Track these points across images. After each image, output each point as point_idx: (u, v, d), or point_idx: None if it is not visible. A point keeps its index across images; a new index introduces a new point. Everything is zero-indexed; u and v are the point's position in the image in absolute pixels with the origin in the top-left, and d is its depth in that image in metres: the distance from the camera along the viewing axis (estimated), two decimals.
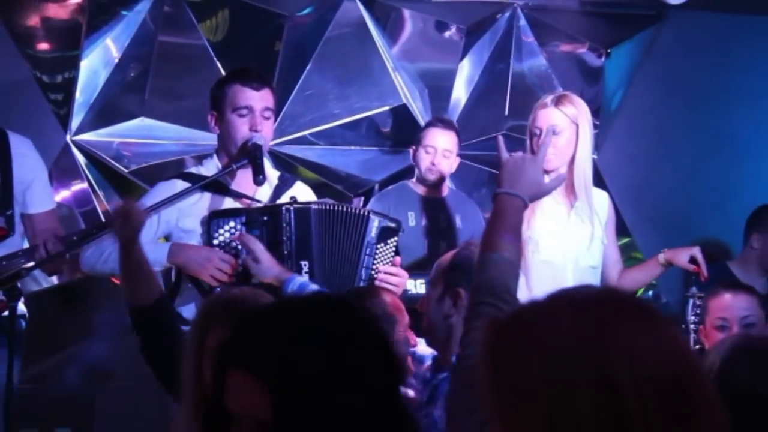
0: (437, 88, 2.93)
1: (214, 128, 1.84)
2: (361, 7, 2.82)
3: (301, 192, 1.89)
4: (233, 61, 2.56)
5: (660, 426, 0.60)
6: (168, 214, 1.78)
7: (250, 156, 1.77)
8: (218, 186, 1.81)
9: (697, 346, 1.86)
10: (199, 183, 1.78)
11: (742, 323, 1.82)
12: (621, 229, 2.52)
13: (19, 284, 1.72)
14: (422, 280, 2.00)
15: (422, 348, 1.59)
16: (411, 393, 1.44)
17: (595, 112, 2.52)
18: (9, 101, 2.52)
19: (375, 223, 1.79)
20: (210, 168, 1.84)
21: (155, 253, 1.72)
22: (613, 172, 2.97)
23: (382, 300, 1.56)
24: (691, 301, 2.03)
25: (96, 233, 1.78)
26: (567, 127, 1.92)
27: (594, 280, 1.97)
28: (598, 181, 2.33)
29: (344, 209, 1.81)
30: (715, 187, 3.08)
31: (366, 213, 1.81)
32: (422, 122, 2.89)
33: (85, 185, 2.67)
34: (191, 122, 2.63)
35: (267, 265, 1.63)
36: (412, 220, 2.43)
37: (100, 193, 2.68)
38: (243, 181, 1.81)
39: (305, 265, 1.72)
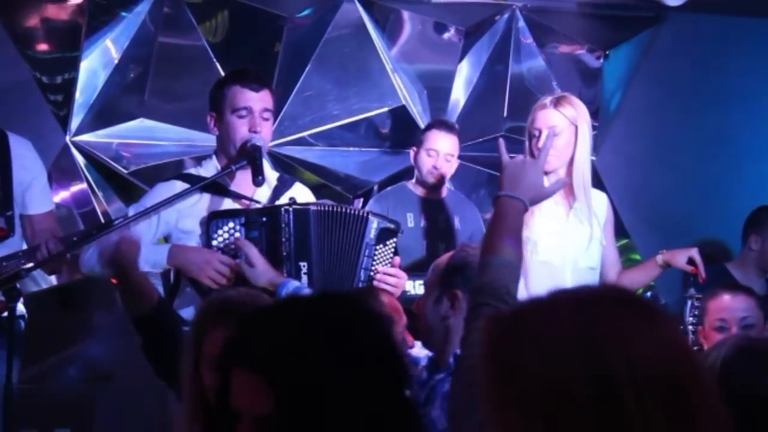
0: (436, 90, 2.93)
1: (214, 129, 1.84)
2: (361, 9, 2.82)
3: (300, 193, 1.89)
4: (233, 63, 2.56)
5: (658, 424, 0.59)
6: (167, 215, 1.79)
7: (250, 157, 1.77)
8: (217, 187, 1.81)
9: (696, 347, 1.87)
10: (199, 184, 1.78)
11: (741, 324, 1.82)
12: (619, 230, 2.53)
13: (18, 285, 1.72)
14: (421, 281, 2.00)
15: (416, 350, 1.59)
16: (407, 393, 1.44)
17: (594, 114, 2.53)
18: (9, 102, 2.52)
19: (374, 225, 1.79)
20: (209, 169, 1.84)
21: (155, 255, 1.73)
22: (611, 173, 2.98)
23: (379, 301, 1.56)
24: (689, 302, 2.04)
25: (96, 234, 1.78)
26: (566, 129, 1.92)
27: (593, 281, 1.97)
28: (597, 182, 2.34)
29: (343, 210, 1.81)
30: (713, 188, 3.09)
31: (365, 214, 1.81)
32: (421, 123, 2.90)
33: (84, 186, 2.67)
34: (191, 123, 2.63)
35: (261, 269, 1.64)
36: (411, 221, 2.44)
37: (100, 194, 2.68)
38: (242, 182, 1.81)
39: (304, 266, 1.73)
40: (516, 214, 1.14)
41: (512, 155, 1.24)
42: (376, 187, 2.84)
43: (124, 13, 2.65)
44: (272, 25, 2.75)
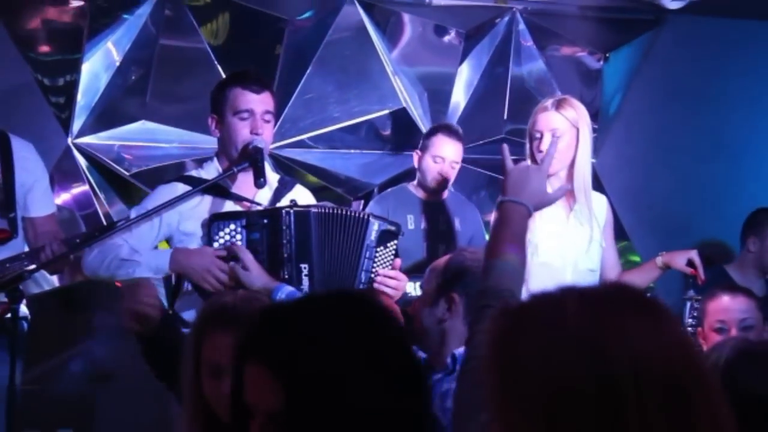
0: (437, 92, 2.94)
1: (215, 131, 1.84)
2: (361, 12, 2.83)
3: (301, 195, 1.89)
4: (234, 65, 2.56)
5: (658, 424, 0.60)
6: (169, 217, 1.79)
7: (251, 159, 1.77)
8: (219, 189, 1.81)
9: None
10: (200, 186, 1.78)
11: (741, 326, 1.82)
12: (619, 232, 2.54)
13: (20, 287, 1.73)
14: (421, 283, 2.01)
15: None
16: None
17: (594, 116, 2.54)
18: (11, 104, 2.53)
19: (375, 227, 1.79)
20: (210, 171, 1.84)
21: (157, 260, 1.73)
22: (611, 176, 2.98)
23: None
24: (688, 304, 2.04)
25: (98, 236, 1.79)
26: (567, 131, 1.92)
27: (593, 282, 1.98)
28: (597, 184, 2.35)
29: (344, 212, 1.81)
30: (713, 190, 3.09)
31: (366, 216, 1.82)
32: (422, 125, 2.91)
33: (86, 188, 2.67)
34: (192, 125, 2.63)
35: (256, 274, 1.64)
36: (411, 223, 2.44)
37: (101, 196, 2.69)
38: (243, 184, 1.82)
39: (305, 267, 1.73)
40: (520, 219, 1.15)
41: (514, 157, 1.25)
42: (376, 189, 2.85)
43: (125, 16, 2.66)
44: (273, 27, 2.76)
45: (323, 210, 1.79)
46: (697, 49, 3.08)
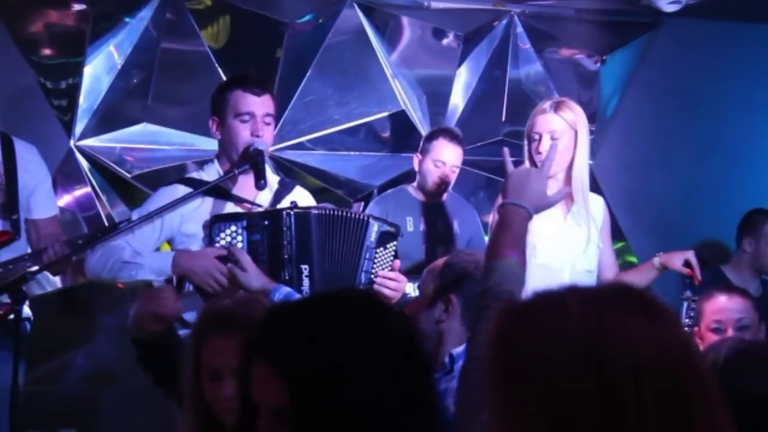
0: (435, 94, 2.95)
1: (216, 133, 1.85)
2: (361, 15, 2.84)
3: (301, 196, 1.90)
4: (234, 68, 2.56)
5: (656, 424, 0.60)
6: (170, 219, 1.80)
7: (252, 161, 1.78)
8: (220, 191, 1.82)
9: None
10: (202, 188, 1.79)
11: (737, 326, 1.83)
12: (616, 233, 2.55)
13: (24, 288, 1.74)
14: None
15: None
16: None
17: (591, 118, 2.56)
18: (14, 107, 2.54)
19: (374, 228, 1.80)
20: (211, 173, 1.85)
21: (159, 263, 1.73)
22: (608, 177, 3.00)
23: None
24: (685, 304, 2.05)
25: (101, 237, 1.81)
26: (565, 133, 1.93)
27: (590, 283, 2.00)
28: (594, 185, 2.36)
29: (344, 214, 1.82)
30: (709, 191, 3.11)
31: (365, 218, 1.82)
32: (421, 128, 2.93)
33: (88, 190, 2.68)
34: (193, 128, 2.64)
35: (253, 275, 1.64)
36: (411, 225, 2.46)
37: (103, 198, 2.69)
38: (244, 185, 1.83)
39: (306, 268, 1.74)
40: (520, 221, 1.17)
41: (513, 159, 1.26)
42: (376, 191, 2.86)
43: (127, 19, 2.67)
44: (273, 30, 2.78)
45: (323, 211, 1.80)
46: (693, 51, 3.10)
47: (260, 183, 1.77)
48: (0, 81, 2.57)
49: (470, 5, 2.94)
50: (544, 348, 0.63)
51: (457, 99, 2.99)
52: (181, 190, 1.80)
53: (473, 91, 2.98)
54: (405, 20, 2.92)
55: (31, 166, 2.09)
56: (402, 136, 2.94)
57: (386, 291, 1.79)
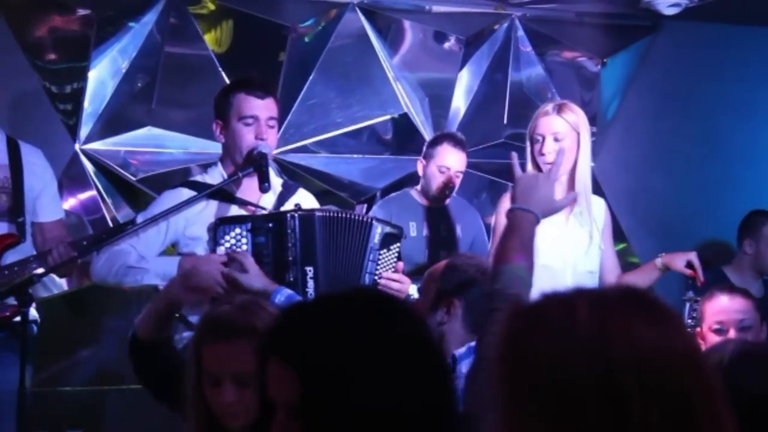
0: (437, 97, 2.96)
1: (219, 137, 1.86)
2: (363, 19, 2.86)
3: (304, 199, 1.91)
4: (238, 72, 2.57)
5: (660, 428, 0.61)
6: (175, 222, 1.80)
7: (256, 164, 1.78)
8: (224, 194, 1.82)
9: None
10: (206, 191, 1.79)
11: (739, 326, 1.83)
12: (617, 234, 2.56)
13: (30, 290, 1.76)
14: None
15: None
16: None
17: (592, 120, 2.58)
18: (19, 111, 2.56)
19: (378, 230, 1.80)
20: (215, 176, 1.86)
21: (164, 267, 1.74)
22: (609, 179, 3.01)
23: None
24: (687, 305, 2.06)
25: (105, 239, 1.82)
26: (568, 135, 1.93)
27: (592, 284, 1.99)
28: (595, 187, 2.37)
29: (347, 216, 1.82)
30: (709, 192, 3.13)
31: (369, 220, 1.83)
32: (423, 130, 2.94)
33: (93, 193, 2.68)
34: (197, 131, 2.64)
35: (255, 276, 1.63)
36: (414, 230, 2.46)
37: (108, 201, 2.70)
38: (247, 188, 1.84)
39: (310, 270, 1.74)
40: (528, 226, 1.18)
41: (521, 161, 1.27)
42: (378, 194, 2.87)
43: (131, 24, 2.68)
44: (276, 34, 2.79)
45: (327, 213, 1.81)
46: (693, 54, 3.11)
47: (264, 186, 1.78)
48: (5, 85, 2.58)
49: (471, 9, 2.96)
50: (551, 349, 0.64)
51: (459, 102, 3.00)
52: (186, 193, 1.81)
53: (475, 93, 3.00)
54: (407, 24, 2.93)
55: (37, 170, 2.11)
56: (404, 138, 2.95)
57: (390, 292, 1.80)
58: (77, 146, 2.68)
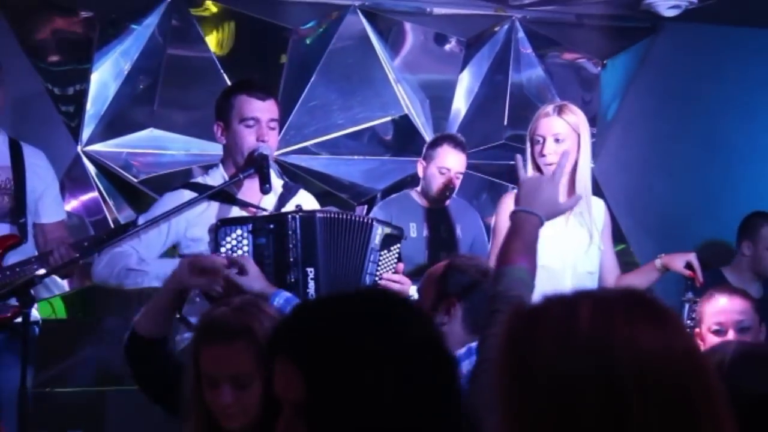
0: (438, 99, 2.97)
1: (221, 138, 1.86)
2: (364, 21, 2.87)
3: (305, 200, 1.91)
4: (239, 74, 2.58)
5: (658, 428, 0.61)
6: (177, 223, 1.81)
7: (257, 165, 1.79)
8: (225, 195, 1.83)
9: None
10: (207, 192, 1.80)
11: (738, 327, 1.83)
12: (617, 235, 2.57)
13: (32, 291, 1.76)
14: None
15: None
16: None
17: (592, 121, 2.59)
18: (22, 113, 2.56)
19: (378, 231, 1.80)
20: (216, 177, 1.87)
21: (164, 269, 1.73)
22: (609, 180, 3.02)
23: None
24: (687, 306, 2.06)
25: (107, 240, 1.83)
26: (569, 136, 1.94)
27: (592, 285, 1.98)
28: (595, 188, 2.38)
29: (348, 217, 1.82)
30: (709, 193, 3.13)
31: (369, 221, 1.82)
32: (424, 132, 2.95)
33: (95, 195, 2.70)
34: (199, 133, 2.65)
35: (254, 277, 1.62)
36: (414, 231, 2.47)
37: (110, 202, 2.71)
38: (249, 190, 1.84)
39: (311, 271, 1.74)
40: (531, 228, 1.18)
41: (525, 157, 1.27)
42: (379, 195, 2.88)
43: (133, 26, 2.69)
44: (278, 36, 2.81)
45: (328, 215, 1.80)
46: (692, 55, 3.12)
47: (265, 187, 1.79)
48: (8, 87, 2.60)
49: (472, 11, 2.97)
50: (553, 350, 0.64)
51: (460, 103, 3.01)
52: (187, 194, 1.82)
53: (475, 95, 3.00)
54: (407, 26, 2.94)
55: (40, 171, 2.12)
56: (405, 140, 2.96)
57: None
58: (79, 148, 2.70)
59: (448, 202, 2.56)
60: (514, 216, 1.21)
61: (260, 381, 1.13)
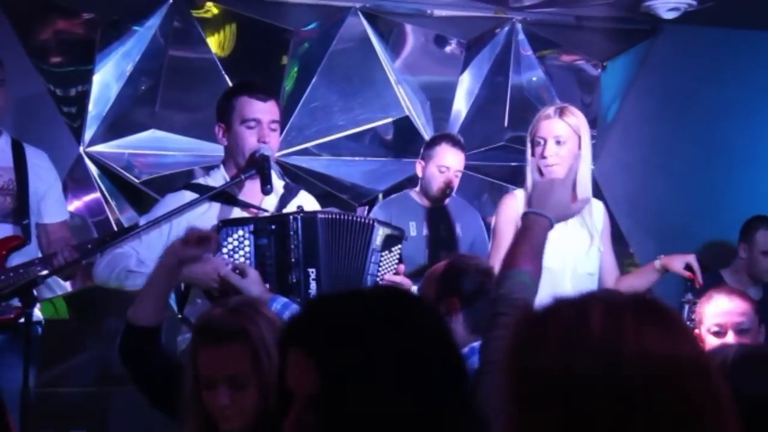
0: (438, 101, 2.98)
1: (222, 139, 1.87)
2: (365, 22, 2.88)
3: (306, 201, 1.91)
4: (241, 75, 2.59)
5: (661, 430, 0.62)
6: (178, 224, 1.80)
7: (258, 166, 1.79)
8: (226, 196, 1.83)
9: None
10: (208, 193, 1.80)
11: (737, 329, 1.83)
12: (617, 237, 2.58)
13: (34, 291, 1.77)
14: None
15: None
16: None
17: (592, 123, 2.59)
18: (24, 114, 2.57)
19: (379, 232, 1.81)
20: (217, 178, 1.87)
21: None
22: (609, 182, 3.03)
23: None
24: (686, 307, 2.07)
25: (109, 241, 1.84)
26: (570, 138, 1.94)
27: (591, 286, 1.99)
28: (595, 190, 2.38)
29: (349, 218, 1.83)
30: (709, 195, 3.14)
31: (370, 222, 1.83)
32: (424, 133, 2.96)
33: (97, 195, 2.70)
34: (200, 134, 2.65)
35: (252, 281, 1.63)
36: (414, 230, 2.48)
37: (112, 203, 2.72)
38: (250, 191, 1.85)
39: (312, 272, 1.74)
40: (540, 231, 1.19)
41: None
42: (380, 196, 2.89)
43: (135, 28, 2.70)
44: (279, 38, 2.82)
45: (330, 215, 1.81)
46: (692, 58, 3.13)
47: (266, 188, 1.79)
48: (11, 88, 2.61)
49: (472, 13, 2.98)
50: (562, 353, 0.65)
51: (460, 105, 3.02)
52: (188, 196, 1.82)
53: (476, 97, 3.01)
54: (408, 28, 2.95)
55: (42, 172, 2.13)
56: (406, 141, 2.96)
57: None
58: (81, 149, 2.70)
59: (447, 201, 2.57)
60: (524, 218, 1.22)
61: (257, 382, 1.14)
